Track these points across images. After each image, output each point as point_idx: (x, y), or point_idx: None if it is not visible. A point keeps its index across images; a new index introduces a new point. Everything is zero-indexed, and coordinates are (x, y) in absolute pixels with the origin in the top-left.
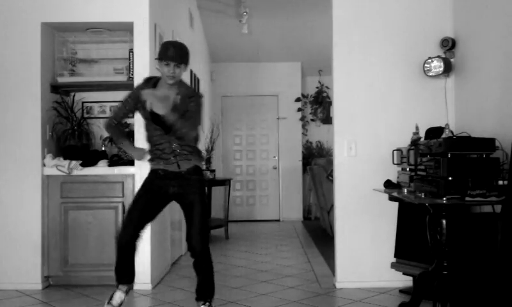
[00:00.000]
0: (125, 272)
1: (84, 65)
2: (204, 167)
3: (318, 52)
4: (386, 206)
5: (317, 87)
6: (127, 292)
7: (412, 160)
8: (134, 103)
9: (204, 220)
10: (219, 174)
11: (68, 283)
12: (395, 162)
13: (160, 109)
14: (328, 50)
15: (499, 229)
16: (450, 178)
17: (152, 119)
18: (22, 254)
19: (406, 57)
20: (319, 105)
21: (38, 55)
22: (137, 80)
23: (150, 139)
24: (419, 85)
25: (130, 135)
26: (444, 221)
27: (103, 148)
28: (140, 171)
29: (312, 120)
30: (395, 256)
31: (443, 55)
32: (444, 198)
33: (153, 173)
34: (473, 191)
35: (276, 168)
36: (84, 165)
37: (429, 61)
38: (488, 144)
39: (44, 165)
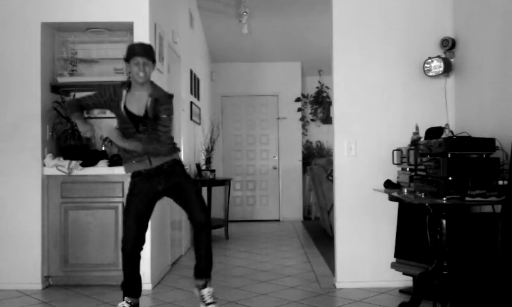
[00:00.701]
0: (132, 285)
1: (84, 65)
2: (182, 158)
3: (318, 52)
4: (386, 206)
5: (317, 87)
6: (132, 304)
7: (412, 160)
8: (108, 98)
9: (199, 195)
10: (219, 174)
11: (68, 283)
12: (395, 162)
13: (134, 109)
14: (328, 50)
15: (499, 229)
16: (450, 178)
17: (127, 117)
18: (22, 254)
19: (406, 57)
20: (319, 105)
21: (38, 56)
22: None
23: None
24: (419, 85)
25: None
26: (444, 221)
27: (103, 148)
28: None
29: (312, 120)
30: (395, 256)
31: (443, 55)
32: (444, 198)
33: (135, 175)
34: (473, 191)
35: (276, 168)
36: (84, 165)
37: (429, 61)
38: (488, 144)
39: (44, 165)
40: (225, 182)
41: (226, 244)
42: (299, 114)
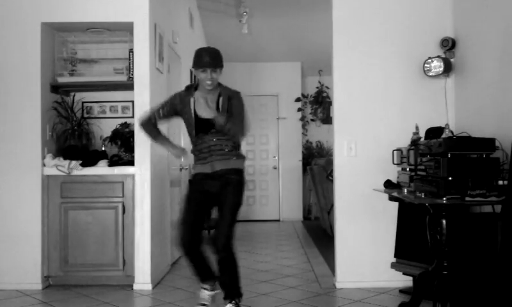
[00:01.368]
0: (203, 273)
1: (84, 65)
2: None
3: (318, 52)
4: (386, 206)
5: (317, 87)
6: (212, 289)
7: (412, 160)
8: (172, 109)
9: (233, 217)
10: None
11: (68, 283)
12: (395, 162)
13: (205, 113)
14: (328, 50)
15: (499, 229)
16: (450, 178)
17: (196, 123)
18: (22, 254)
19: (406, 57)
20: (319, 105)
21: (38, 55)
22: (137, 80)
23: (193, 143)
24: (419, 85)
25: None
26: (444, 221)
27: (103, 148)
28: (140, 171)
29: (312, 120)
30: (395, 256)
31: (443, 55)
32: (444, 198)
33: (195, 175)
34: (473, 191)
35: (276, 168)
36: (84, 165)
37: (429, 61)
38: (488, 144)
39: (44, 165)
40: None
41: None
42: (299, 114)
